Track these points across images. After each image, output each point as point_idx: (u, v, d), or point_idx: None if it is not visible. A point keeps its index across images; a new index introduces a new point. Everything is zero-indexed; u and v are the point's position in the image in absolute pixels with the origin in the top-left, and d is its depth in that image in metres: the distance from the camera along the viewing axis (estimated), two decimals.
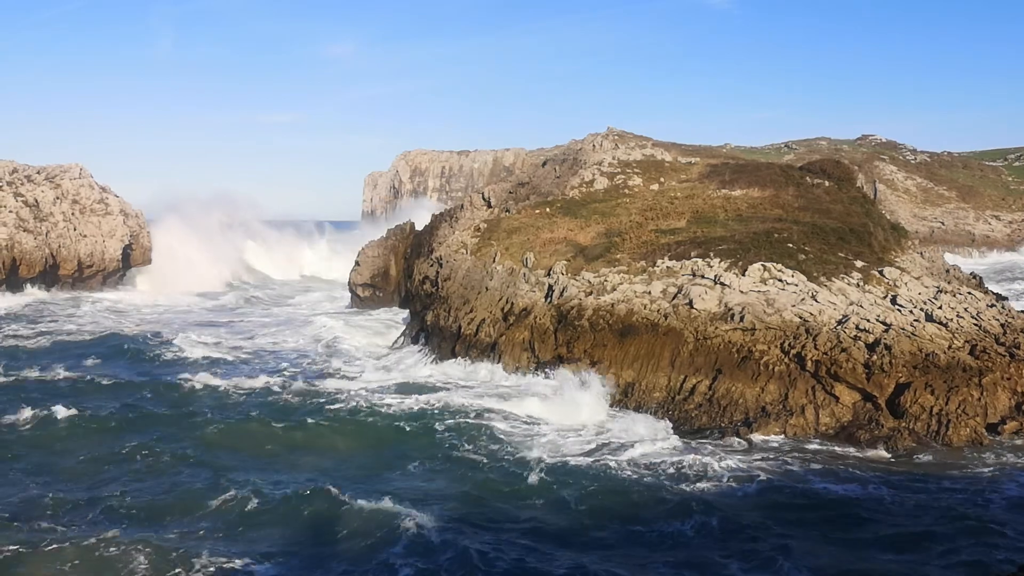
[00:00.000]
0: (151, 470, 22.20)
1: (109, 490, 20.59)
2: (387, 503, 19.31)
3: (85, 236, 68.55)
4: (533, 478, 21.47)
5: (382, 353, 41.14)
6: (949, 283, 35.34)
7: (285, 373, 35.53)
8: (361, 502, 19.40)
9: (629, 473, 22.06)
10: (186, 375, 33.81)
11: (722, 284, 32.76)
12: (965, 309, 30.82)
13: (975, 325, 29.74)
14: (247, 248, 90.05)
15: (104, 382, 32.38)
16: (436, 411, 27.93)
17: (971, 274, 42.06)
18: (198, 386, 32.06)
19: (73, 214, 69.39)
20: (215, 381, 32.89)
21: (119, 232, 70.97)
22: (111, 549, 17.01)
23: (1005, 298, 36.92)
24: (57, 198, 69.59)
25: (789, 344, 29.26)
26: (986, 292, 36.85)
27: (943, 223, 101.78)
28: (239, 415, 27.85)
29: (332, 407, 28.46)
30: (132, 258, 73.04)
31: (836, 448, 24.60)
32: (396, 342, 42.79)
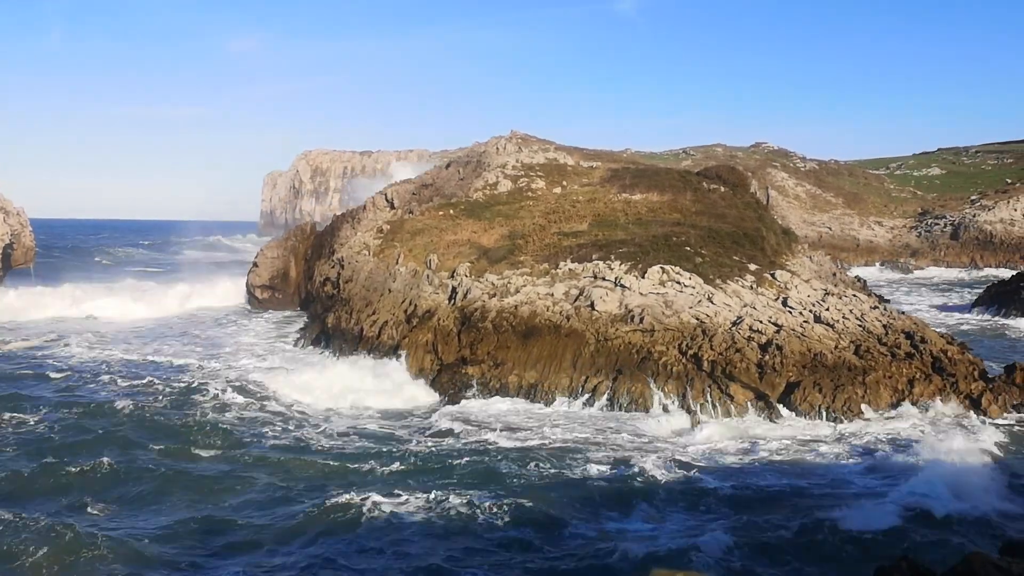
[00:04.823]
0: None
1: None
2: None
3: None
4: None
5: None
6: (836, 286, 36.92)
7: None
8: None
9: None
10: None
11: (622, 286, 33.36)
12: (850, 311, 32.27)
13: (859, 326, 31.16)
14: None
15: None
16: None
17: (855, 277, 44.08)
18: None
19: None
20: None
21: None
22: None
23: (887, 300, 38.83)
24: None
25: (687, 345, 30.03)
26: (869, 295, 38.66)
27: (830, 228, 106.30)
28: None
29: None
30: (13, 259, 69.16)
31: (722, 445, 25.20)
32: (297, 342, 41.88)
